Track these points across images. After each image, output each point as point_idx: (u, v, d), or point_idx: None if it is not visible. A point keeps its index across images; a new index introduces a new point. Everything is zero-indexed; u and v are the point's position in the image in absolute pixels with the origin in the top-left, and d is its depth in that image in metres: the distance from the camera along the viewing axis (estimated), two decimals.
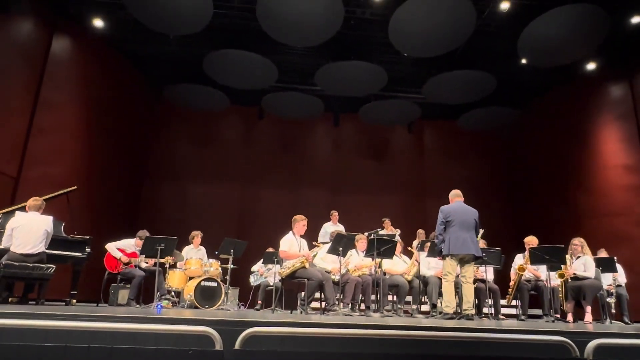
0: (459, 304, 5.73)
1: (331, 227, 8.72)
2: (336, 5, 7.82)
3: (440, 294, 5.99)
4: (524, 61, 9.66)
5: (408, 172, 12.96)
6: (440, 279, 6.02)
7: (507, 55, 9.66)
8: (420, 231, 8.97)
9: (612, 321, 6.54)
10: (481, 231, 7.08)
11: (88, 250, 6.43)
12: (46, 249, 5.63)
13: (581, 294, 6.15)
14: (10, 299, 5.58)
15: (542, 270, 6.65)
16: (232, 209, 12.15)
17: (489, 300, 6.75)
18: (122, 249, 6.77)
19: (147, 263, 6.99)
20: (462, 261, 5.46)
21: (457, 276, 5.66)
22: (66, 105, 8.90)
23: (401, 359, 2.60)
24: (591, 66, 9.92)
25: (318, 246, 6.82)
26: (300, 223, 6.09)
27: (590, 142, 10.13)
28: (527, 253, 6.64)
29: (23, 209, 6.05)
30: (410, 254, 7.43)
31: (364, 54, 9.79)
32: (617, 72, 9.74)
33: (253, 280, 8.18)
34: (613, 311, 6.65)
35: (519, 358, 2.73)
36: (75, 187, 7.33)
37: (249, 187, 12.40)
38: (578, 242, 6.50)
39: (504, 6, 8.22)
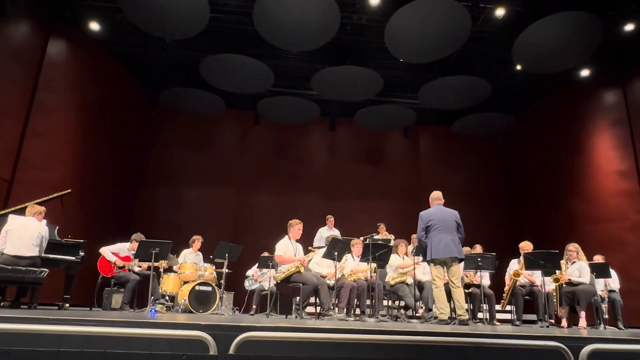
0: (453, 309, 5.73)
1: (327, 232, 8.71)
2: (332, 10, 7.85)
3: None
4: (518, 67, 9.73)
5: (403, 177, 12.99)
6: None
7: (502, 62, 9.74)
8: (415, 236, 8.97)
9: (606, 327, 6.57)
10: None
11: (82, 254, 6.39)
12: (42, 254, 5.60)
13: (575, 299, 6.17)
14: (2, 304, 5.53)
15: (536, 276, 6.67)
16: (227, 213, 12.12)
17: (484, 306, 6.76)
18: (116, 252, 6.73)
19: (140, 267, 6.95)
20: (446, 265, 5.45)
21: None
22: (61, 108, 8.87)
23: None
24: (585, 73, 10.01)
25: (314, 251, 6.82)
26: (295, 227, 6.09)
27: (584, 149, 10.20)
28: (521, 258, 6.66)
29: (16, 212, 6.02)
30: None
31: (360, 59, 9.83)
32: (610, 79, 9.83)
33: (248, 285, 8.15)
34: (606, 316, 6.68)
35: None
36: (69, 190, 7.29)
37: (245, 192, 12.38)
38: (573, 247, 6.53)
39: (499, 13, 8.29)
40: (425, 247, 5.52)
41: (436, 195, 5.80)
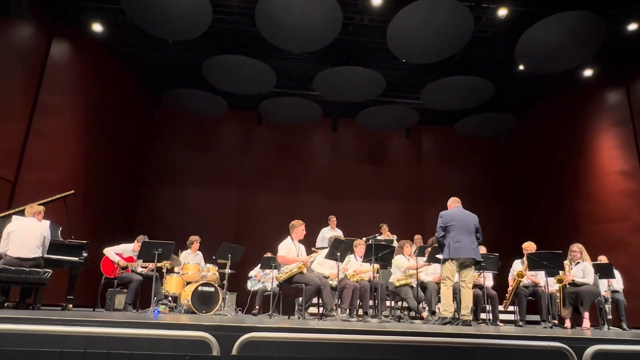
0: (457, 310, 5.72)
1: (329, 232, 8.71)
2: (335, 11, 7.85)
3: (439, 300, 5.98)
4: (521, 67, 9.71)
5: (406, 178, 12.97)
6: (439, 284, 6.02)
7: (505, 62, 9.71)
8: (418, 237, 8.97)
9: (610, 327, 6.54)
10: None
11: (85, 254, 6.41)
12: (44, 254, 5.61)
13: (579, 300, 6.14)
14: (6, 304, 5.55)
15: (540, 276, 6.65)
16: (230, 214, 12.13)
17: (487, 306, 6.74)
18: (119, 253, 6.75)
19: (144, 268, 6.96)
20: (462, 265, 5.46)
21: (456, 282, 5.65)
22: (64, 109, 8.90)
23: None
24: (588, 73, 9.98)
25: (316, 252, 6.81)
26: (299, 228, 6.09)
27: (587, 149, 10.17)
28: (525, 259, 6.64)
29: (20, 213, 6.04)
30: None
31: (362, 59, 9.83)
32: (613, 79, 9.80)
33: (250, 285, 8.16)
34: (610, 317, 6.65)
35: None
36: (72, 191, 7.31)
37: (247, 192, 12.39)
38: (577, 248, 6.50)
39: (502, 13, 8.26)
40: (443, 246, 5.53)
41: (455, 199, 5.88)
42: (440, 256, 5.74)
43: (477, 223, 5.59)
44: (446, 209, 5.81)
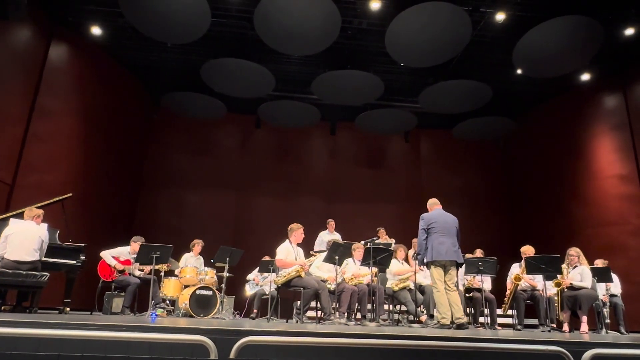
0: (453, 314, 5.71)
1: (327, 236, 8.69)
2: (333, 15, 7.88)
3: None
4: (519, 71, 9.75)
5: (404, 181, 12.98)
6: None
7: (503, 66, 9.75)
8: (416, 240, 8.95)
9: (608, 331, 6.54)
10: None
11: (82, 258, 6.39)
12: (42, 258, 5.59)
13: (577, 303, 6.14)
14: (2, 307, 5.53)
15: (538, 280, 6.65)
16: (228, 217, 12.12)
17: (485, 310, 6.73)
18: (116, 256, 6.73)
19: (141, 271, 6.95)
20: (444, 269, 5.43)
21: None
22: (63, 112, 8.90)
23: None
24: (586, 77, 10.02)
25: (315, 255, 6.81)
26: (297, 232, 6.08)
27: (585, 153, 10.20)
28: (523, 262, 6.64)
29: (18, 216, 6.02)
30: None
31: (361, 63, 9.85)
32: (611, 83, 9.85)
33: (249, 289, 8.14)
34: (608, 321, 6.65)
35: None
36: (70, 194, 7.30)
37: (245, 196, 12.38)
38: (574, 252, 6.51)
39: (500, 17, 8.31)
40: (424, 248, 5.50)
41: (434, 201, 5.83)
42: None
43: (458, 225, 5.57)
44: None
